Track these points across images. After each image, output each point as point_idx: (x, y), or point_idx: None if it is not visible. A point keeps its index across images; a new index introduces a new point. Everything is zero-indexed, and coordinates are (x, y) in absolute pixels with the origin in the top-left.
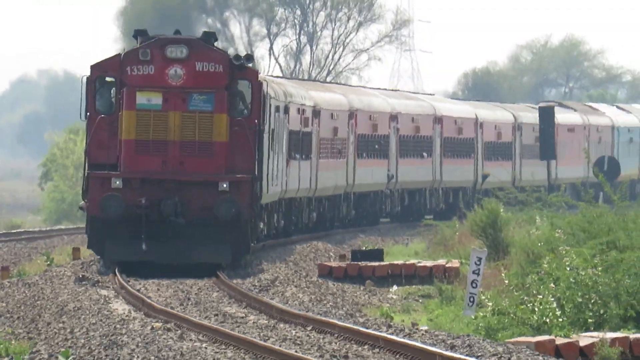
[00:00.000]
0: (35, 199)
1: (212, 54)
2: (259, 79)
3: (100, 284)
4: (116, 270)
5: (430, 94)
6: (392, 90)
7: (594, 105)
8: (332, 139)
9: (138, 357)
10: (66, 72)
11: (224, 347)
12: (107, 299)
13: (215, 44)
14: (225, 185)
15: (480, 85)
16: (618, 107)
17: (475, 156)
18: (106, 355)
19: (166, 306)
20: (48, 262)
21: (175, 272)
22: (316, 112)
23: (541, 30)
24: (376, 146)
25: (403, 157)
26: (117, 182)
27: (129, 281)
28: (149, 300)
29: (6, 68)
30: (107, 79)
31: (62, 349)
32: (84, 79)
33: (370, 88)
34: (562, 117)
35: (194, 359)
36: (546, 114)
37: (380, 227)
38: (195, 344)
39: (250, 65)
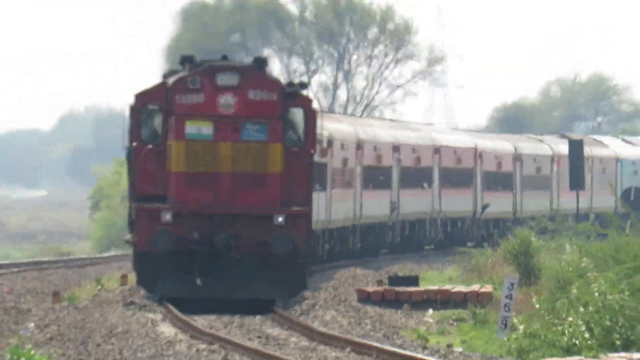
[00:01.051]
0: (83, 228)
1: (265, 82)
2: (312, 107)
3: (147, 307)
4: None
5: (430, 124)
6: (392, 120)
7: (597, 137)
8: (342, 169)
9: None
10: (110, 107)
11: None
12: (154, 322)
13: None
14: (280, 219)
15: (512, 119)
16: (623, 140)
17: (474, 186)
18: None
19: (211, 329)
20: (99, 287)
21: (227, 308)
22: (329, 143)
23: (570, 65)
24: (380, 177)
25: (404, 187)
26: (167, 216)
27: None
28: (194, 323)
29: (55, 104)
30: (152, 107)
31: None
32: (128, 109)
33: (374, 118)
34: (565, 148)
35: None
36: (575, 147)
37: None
38: None
39: (304, 92)
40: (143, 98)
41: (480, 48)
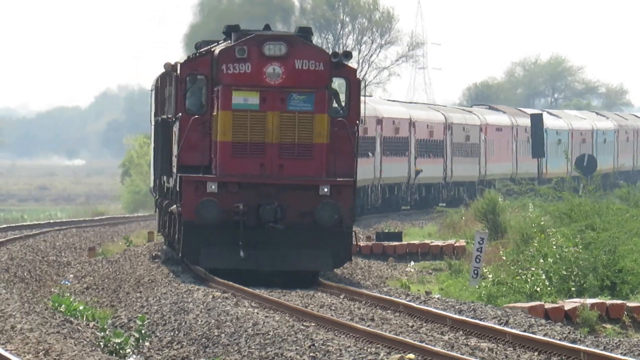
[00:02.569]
0: (115, 192)
1: (312, 51)
2: (356, 77)
3: (169, 261)
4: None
5: (369, 96)
6: None
7: (524, 109)
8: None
9: (201, 321)
10: (140, 86)
11: (272, 312)
12: (175, 273)
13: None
14: (326, 190)
15: (481, 96)
16: (548, 113)
17: (409, 154)
18: (175, 320)
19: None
20: (128, 244)
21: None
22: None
23: (532, 49)
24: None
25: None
26: (213, 187)
27: None
28: (210, 275)
29: (92, 84)
30: (197, 76)
31: (139, 315)
32: (152, 86)
33: None
34: (492, 118)
35: (247, 321)
36: (536, 120)
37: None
38: (248, 309)
39: (347, 62)
40: (188, 67)
41: (455, 34)
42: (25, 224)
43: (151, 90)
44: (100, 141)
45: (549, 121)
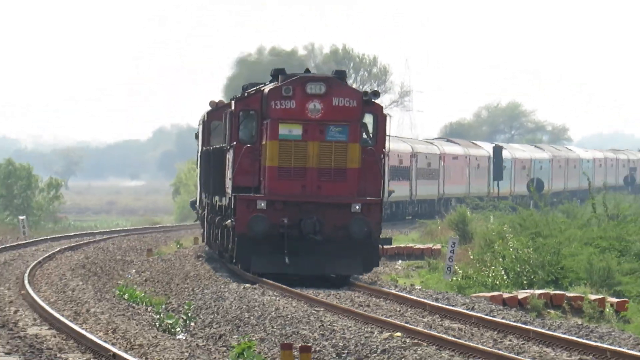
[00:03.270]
0: (168, 206)
1: (347, 90)
2: (383, 113)
3: (211, 260)
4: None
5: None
6: None
7: (476, 142)
8: None
9: (235, 306)
10: (188, 124)
11: (290, 299)
12: (215, 269)
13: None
14: (357, 207)
15: (455, 133)
16: (496, 144)
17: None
18: (214, 305)
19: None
20: (178, 246)
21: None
22: None
23: (494, 95)
24: None
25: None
26: (262, 204)
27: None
28: (241, 271)
29: (150, 121)
30: (249, 111)
31: (186, 301)
32: (200, 121)
33: None
34: (449, 148)
35: (271, 307)
36: (497, 151)
37: None
38: (272, 297)
39: (376, 100)
40: (242, 104)
41: (435, 84)
42: (97, 231)
43: (198, 126)
44: (156, 166)
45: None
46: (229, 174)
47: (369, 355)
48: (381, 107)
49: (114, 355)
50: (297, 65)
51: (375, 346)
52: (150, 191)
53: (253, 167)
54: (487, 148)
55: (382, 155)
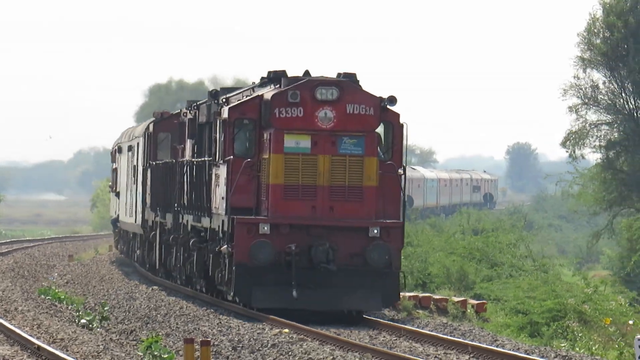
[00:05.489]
0: (87, 218)
1: (363, 96)
2: (400, 121)
3: (123, 265)
4: (134, 262)
5: None
6: None
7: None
8: None
9: (144, 305)
10: (104, 147)
11: (191, 300)
12: (127, 273)
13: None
14: (376, 231)
15: None
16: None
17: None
18: (127, 304)
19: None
20: (95, 253)
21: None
22: None
23: None
24: None
25: None
26: (265, 228)
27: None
28: (151, 275)
29: (70, 144)
30: (245, 120)
31: (102, 301)
32: (220, 122)
33: None
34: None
35: (175, 305)
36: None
37: None
38: (177, 298)
39: (392, 107)
40: (237, 112)
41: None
42: (25, 239)
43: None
44: (77, 183)
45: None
46: (220, 192)
47: (261, 349)
48: (398, 115)
49: (38, 347)
50: (203, 95)
51: (266, 341)
52: (72, 205)
53: (251, 184)
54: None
55: (402, 171)
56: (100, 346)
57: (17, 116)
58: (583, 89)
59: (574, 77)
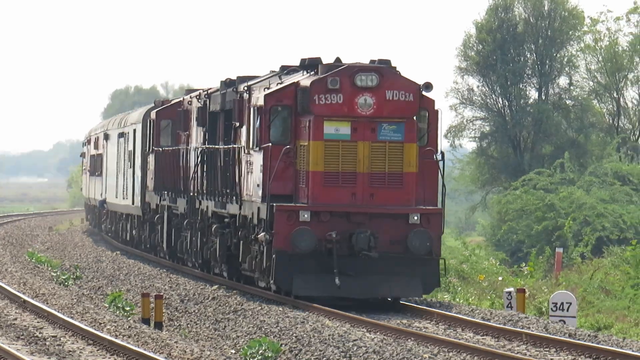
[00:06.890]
0: (65, 197)
1: (403, 82)
2: (435, 108)
3: (94, 235)
4: (102, 233)
5: None
6: None
7: None
8: None
9: (110, 266)
10: (78, 140)
11: (148, 262)
12: (95, 241)
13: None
14: (416, 218)
15: None
16: None
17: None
18: (95, 266)
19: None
20: (70, 225)
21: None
22: None
23: None
24: None
25: None
26: (305, 215)
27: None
28: (115, 242)
29: (50, 136)
30: (281, 107)
31: (76, 263)
32: (254, 109)
33: None
34: None
35: (135, 267)
36: None
37: None
38: (136, 261)
39: (428, 94)
40: (273, 98)
41: None
42: (13, 214)
43: (259, 111)
44: (56, 169)
45: None
46: (253, 179)
47: (203, 300)
48: (433, 102)
49: (24, 301)
50: (158, 97)
51: (207, 294)
52: (52, 186)
53: (288, 171)
54: None
55: (440, 156)
56: (74, 299)
57: (5, 111)
58: (461, 91)
59: (454, 82)
